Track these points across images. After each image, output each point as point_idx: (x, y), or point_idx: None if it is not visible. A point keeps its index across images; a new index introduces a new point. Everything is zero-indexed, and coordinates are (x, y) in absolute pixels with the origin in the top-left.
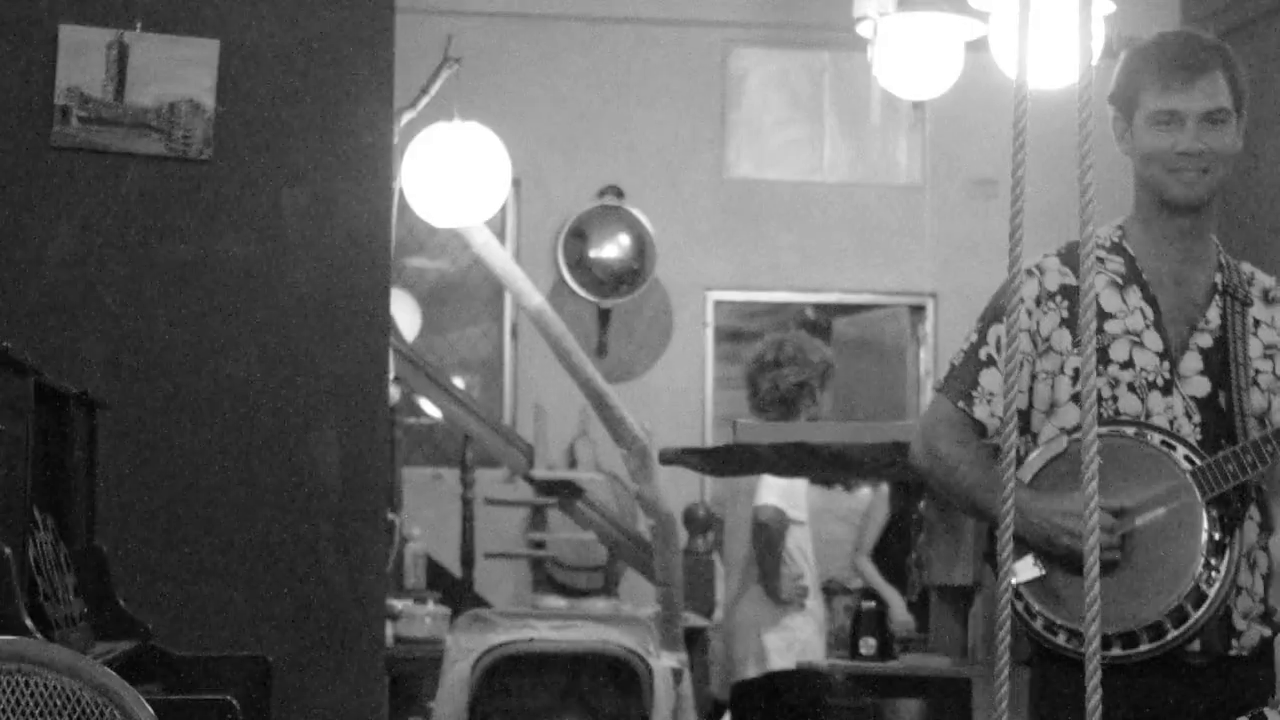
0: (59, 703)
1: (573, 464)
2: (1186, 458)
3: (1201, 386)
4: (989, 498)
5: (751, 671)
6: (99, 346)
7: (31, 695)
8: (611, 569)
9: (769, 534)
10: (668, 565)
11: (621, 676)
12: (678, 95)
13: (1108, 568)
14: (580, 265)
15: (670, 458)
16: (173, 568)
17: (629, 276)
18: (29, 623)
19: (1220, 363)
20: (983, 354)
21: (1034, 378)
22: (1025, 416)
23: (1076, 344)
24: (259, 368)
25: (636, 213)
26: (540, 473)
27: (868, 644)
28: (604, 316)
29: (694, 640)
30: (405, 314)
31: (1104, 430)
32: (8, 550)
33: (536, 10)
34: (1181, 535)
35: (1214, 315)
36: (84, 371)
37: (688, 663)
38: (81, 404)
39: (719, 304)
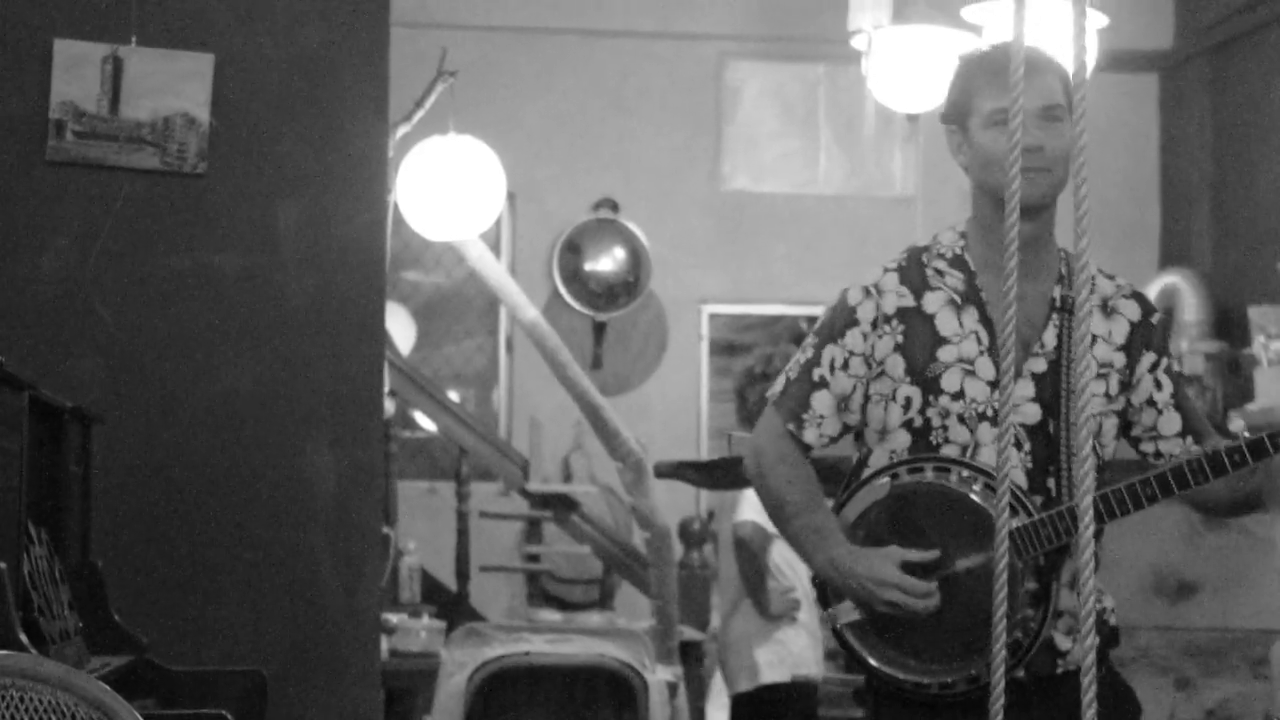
0: (54, 718)
1: (568, 477)
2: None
3: (1032, 414)
4: (801, 522)
5: (744, 686)
6: (94, 360)
7: (26, 710)
8: (607, 582)
9: (747, 550)
10: (663, 578)
11: (617, 690)
12: (673, 108)
13: (926, 616)
14: (575, 278)
15: (665, 471)
16: (168, 582)
17: (624, 289)
18: (23, 638)
19: (1052, 388)
20: (816, 374)
21: (867, 398)
22: (858, 432)
23: (909, 372)
24: (254, 381)
25: (631, 226)
26: (535, 486)
27: None
28: (599, 329)
29: (689, 653)
30: (400, 327)
31: (928, 477)
32: (2, 565)
33: (531, 24)
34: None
35: (1050, 337)
36: (79, 385)
37: (683, 676)
38: (77, 418)
39: (714, 317)
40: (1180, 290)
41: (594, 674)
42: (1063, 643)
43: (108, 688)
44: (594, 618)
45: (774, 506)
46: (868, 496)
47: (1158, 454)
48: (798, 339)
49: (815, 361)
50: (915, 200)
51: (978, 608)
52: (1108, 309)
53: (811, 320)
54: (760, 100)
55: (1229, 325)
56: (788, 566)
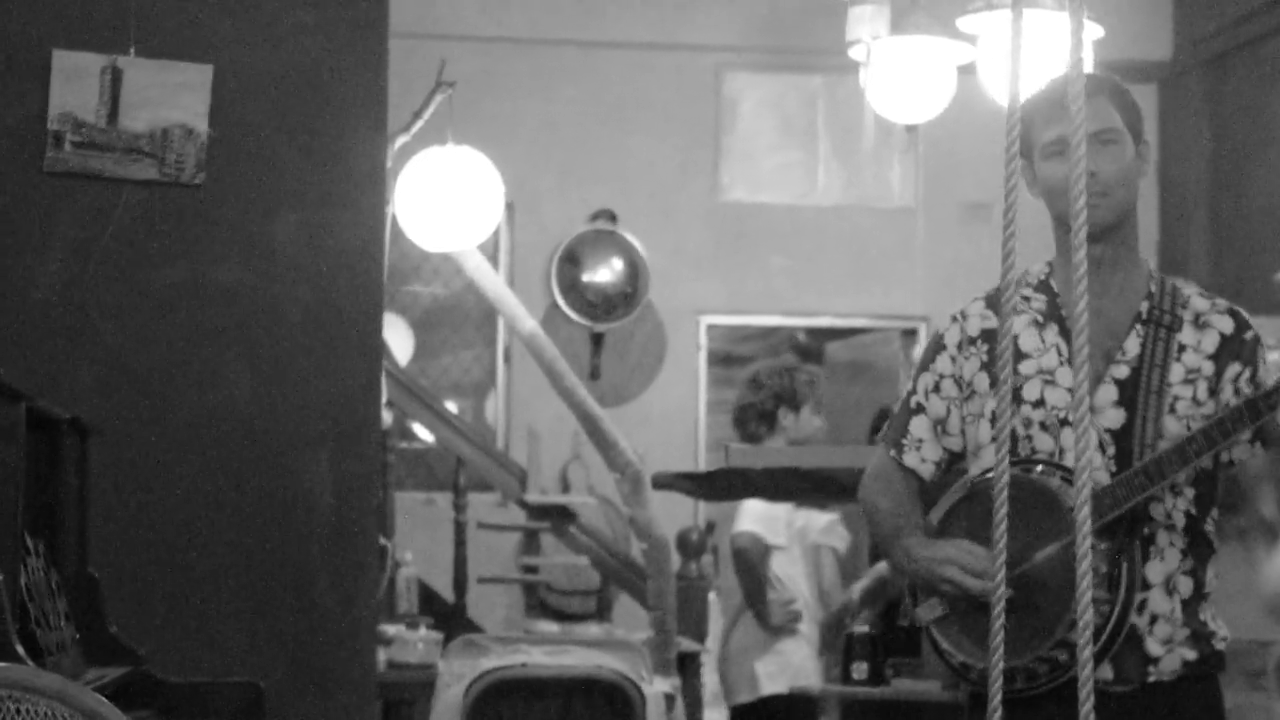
0: None
1: (565, 488)
2: None
3: (1116, 418)
4: (889, 526)
5: (744, 697)
6: (91, 372)
7: None
8: (604, 594)
9: (746, 560)
10: (661, 590)
11: (614, 702)
12: (671, 119)
13: (1007, 604)
14: (573, 289)
15: (663, 482)
16: (165, 593)
17: (622, 300)
18: (20, 649)
19: (1134, 392)
20: (913, 402)
21: (964, 420)
22: (960, 458)
23: (993, 387)
24: (252, 392)
25: (629, 237)
26: (533, 497)
27: (860, 669)
28: (597, 340)
29: (687, 665)
30: (398, 338)
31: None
32: None
33: (530, 35)
34: (1064, 571)
35: (1133, 345)
36: (76, 397)
37: (680, 688)
38: (73, 429)
39: (712, 328)
40: None
41: (591, 685)
42: (1154, 649)
43: (104, 699)
44: (592, 629)
45: (870, 521)
46: (950, 498)
47: (1230, 462)
48: (796, 348)
49: (913, 391)
50: (914, 211)
51: (1055, 595)
52: (1199, 322)
53: (810, 331)
54: (758, 111)
55: None
56: (787, 578)
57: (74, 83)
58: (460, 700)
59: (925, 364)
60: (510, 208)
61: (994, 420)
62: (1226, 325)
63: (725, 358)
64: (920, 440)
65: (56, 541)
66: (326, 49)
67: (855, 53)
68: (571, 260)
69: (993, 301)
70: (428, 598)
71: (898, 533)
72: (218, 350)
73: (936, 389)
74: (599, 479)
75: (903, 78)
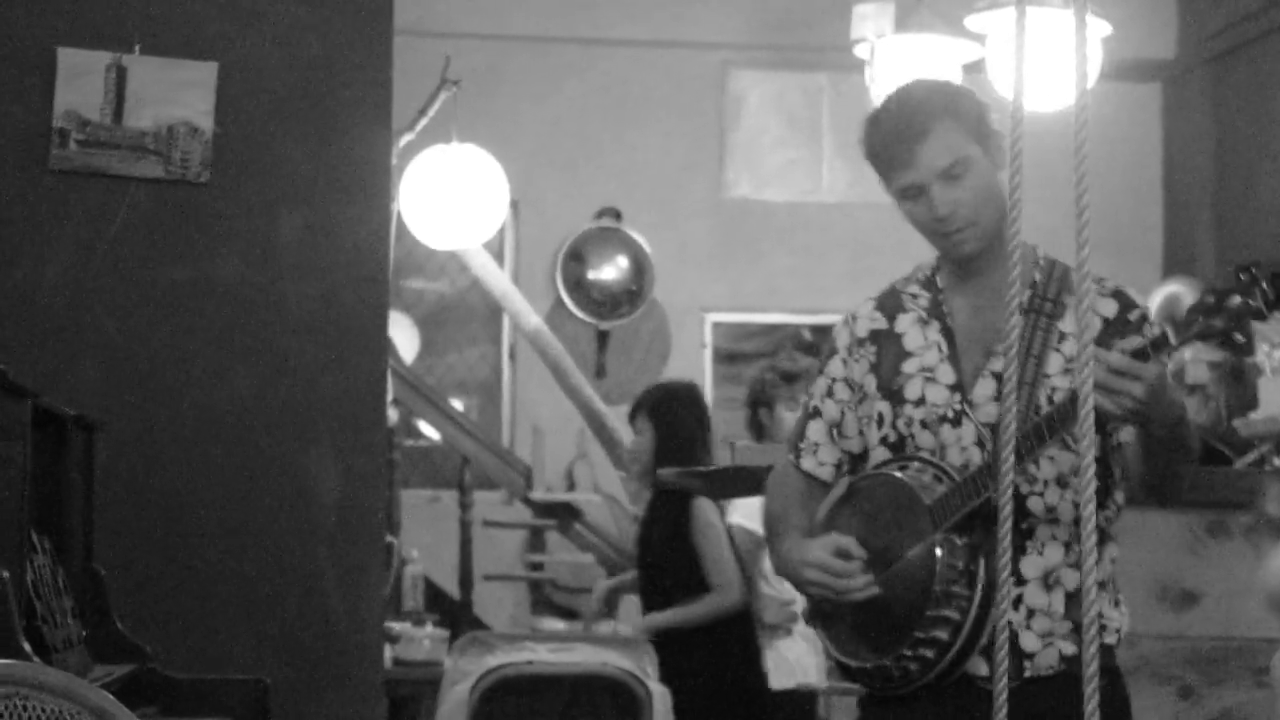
0: None
1: (571, 486)
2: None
3: (994, 413)
4: (779, 528)
5: None
6: (96, 369)
7: (29, 718)
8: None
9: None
10: None
11: (620, 699)
12: (676, 117)
13: (867, 604)
14: (578, 287)
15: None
16: (170, 590)
17: (627, 298)
18: (26, 646)
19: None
20: (810, 406)
21: (860, 421)
22: (862, 459)
23: (879, 388)
24: (257, 390)
25: (634, 234)
26: (538, 495)
27: None
28: (602, 338)
29: None
30: (403, 336)
31: (882, 471)
32: (5, 573)
33: (535, 33)
34: (924, 569)
35: (1012, 336)
36: (81, 394)
37: None
38: (79, 426)
39: (716, 325)
40: (1183, 299)
41: (597, 683)
42: (1031, 644)
43: (111, 696)
44: (597, 626)
45: (765, 525)
46: (831, 498)
47: (1119, 444)
48: (800, 346)
49: (810, 395)
50: None
51: (918, 592)
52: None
53: (814, 329)
54: (763, 109)
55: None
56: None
57: (79, 81)
58: (466, 697)
59: (821, 367)
60: (515, 205)
61: (880, 422)
62: (1110, 309)
63: (730, 355)
64: (816, 444)
65: (62, 538)
66: (331, 47)
67: (860, 50)
68: (576, 258)
69: (883, 302)
70: (434, 595)
71: (777, 535)
72: (223, 347)
73: (830, 393)
74: (604, 476)
75: (907, 76)
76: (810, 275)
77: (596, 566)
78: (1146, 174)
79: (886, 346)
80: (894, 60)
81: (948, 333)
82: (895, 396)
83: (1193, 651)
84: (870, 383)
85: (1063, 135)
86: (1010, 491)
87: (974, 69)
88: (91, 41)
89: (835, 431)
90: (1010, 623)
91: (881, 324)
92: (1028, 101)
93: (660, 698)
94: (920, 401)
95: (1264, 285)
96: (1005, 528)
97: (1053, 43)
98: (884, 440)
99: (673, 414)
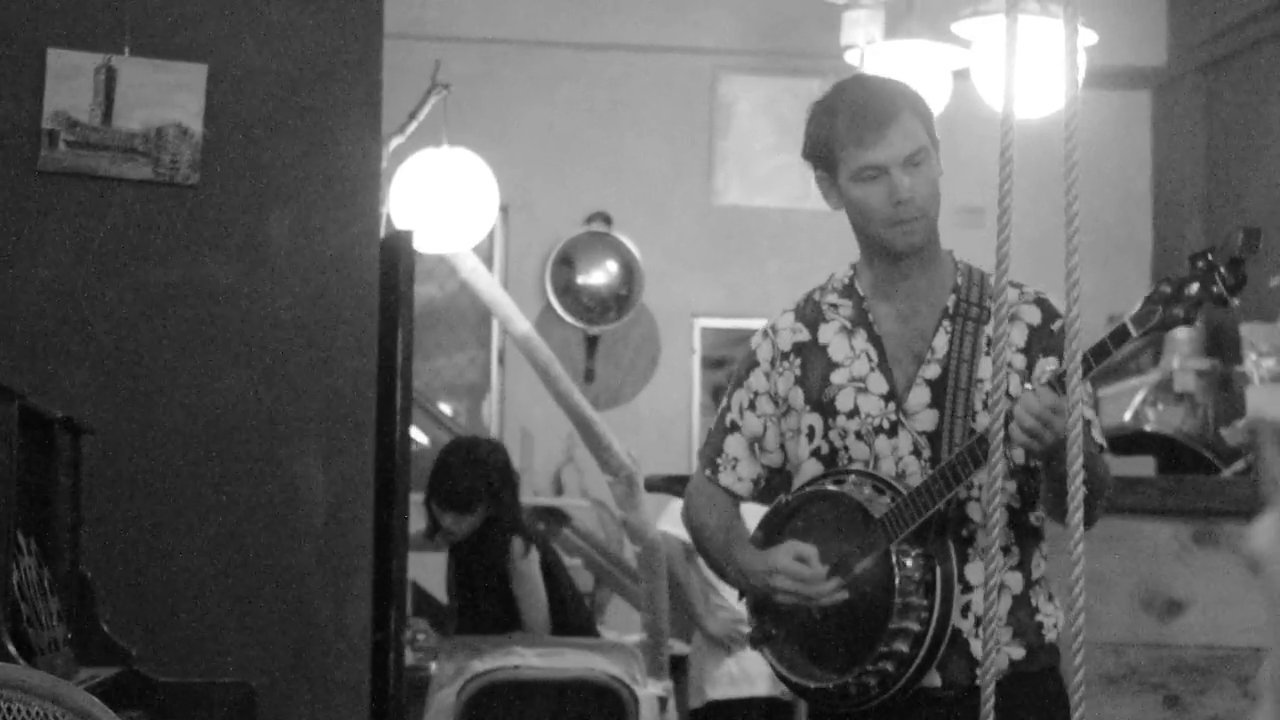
0: None
1: (559, 491)
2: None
3: (930, 420)
4: (718, 542)
5: (695, 703)
6: (85, 371)
7: None
8: (597, 596)
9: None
10: (654, 593)
11: (607, 704)
12: (666, 122)
13: (822, 624)
14: (568, 291)
15: (657, 485)
16: (157, 593)
17: (616, 303)
18: (11, 648)
19: (943, 392)
20: (728, 420)
21: (782, 435)
22: (781, 473)
23: (808, 401)
24: (245, 393)
25: (624, 239)
26: (526, 500)
27: None
28: (591, 343)
29: (680, 667)
30: None
31: (822, 486)
32: None
33: (525, 37)
34: (880, 582)
35: (941, 343)
36: (69, 396)
37: (673, 690)
38: (66, 428)
39: (706, 331)
40: None
41: (584, 688)
42: (980, 650)
43: (95, 699)
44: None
45: (698, 539)
46: (772, 515)
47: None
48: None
49: (727, 408)
50: None
51: (873, 607)
52: (1011, 314)
53: None
54: (754, 114)
55: (1220, 342)
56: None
57: (68, 82)
58: (453, 702)
59: (739, 380)
60: (505, 210)
61: (811, 435)
62: (1034, 316)
63: (719, 361)
64: (735, 459)
65: (49, 541)
66: (321, 49)
67: (850, 57)
68: (566, 262)
69: (801, 313)
70: (421, 599)
71: (728, 547)
72: (212, 350)
73: (752, 406)
74: (592, 481)
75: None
76: (800, 281)
77: (584, 571)
78: (1136, 181)
79: (811, 358)
80: (884, 66)
81: (876, 341)
82: (826, 409)
83: (1179, 660)
84: (796, 396)
85: (1052, 143)
86: (999, 499)
87: (963, 75)
88: (81, 43)
89: (756, 446)
90: (959, 630)
91: (804, 335)
92: (1015, 109)
93: (646, 702)
94: (853, 413)
95: (1222, 271)
96: (994, 535)
97: (1037, 50)
98: (815, 453)
99: None
